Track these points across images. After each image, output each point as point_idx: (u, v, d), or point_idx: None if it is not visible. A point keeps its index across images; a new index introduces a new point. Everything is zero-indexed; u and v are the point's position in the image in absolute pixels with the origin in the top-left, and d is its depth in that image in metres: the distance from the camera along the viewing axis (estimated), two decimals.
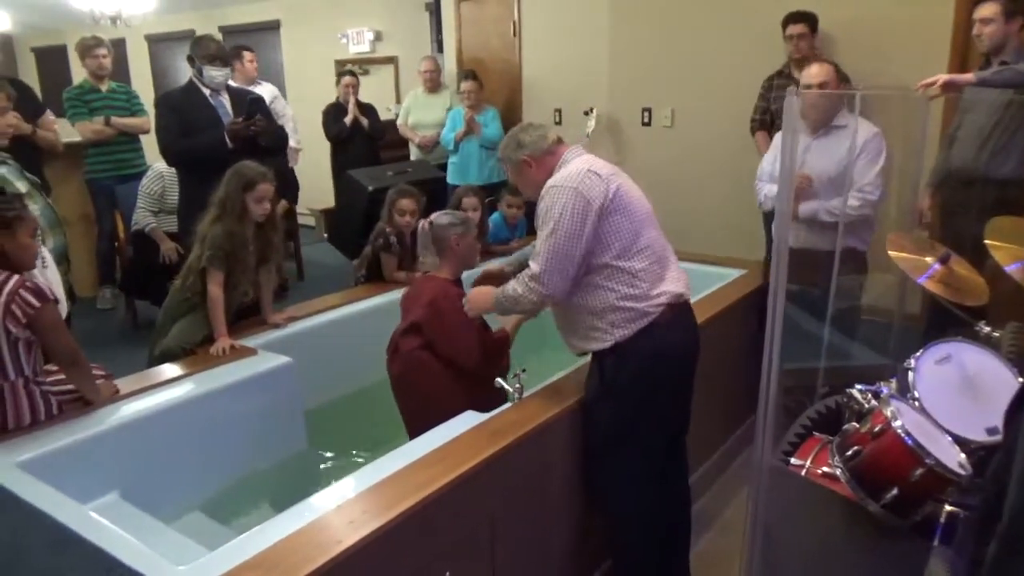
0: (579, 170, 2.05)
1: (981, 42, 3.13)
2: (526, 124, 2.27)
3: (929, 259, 2.18)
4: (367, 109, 5.69)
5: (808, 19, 3.90)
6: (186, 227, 3.43)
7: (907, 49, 3.79)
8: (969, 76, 2.83)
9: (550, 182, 2.08)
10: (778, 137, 3.11)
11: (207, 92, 3.50)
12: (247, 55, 5.35)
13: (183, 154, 3.43)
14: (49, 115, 4.43)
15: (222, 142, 3.34)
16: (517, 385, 2.20)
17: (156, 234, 4.45)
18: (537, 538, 2.14)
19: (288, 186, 5.39)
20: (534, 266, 2.04)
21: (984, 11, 3.08)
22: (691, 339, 2.17)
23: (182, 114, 3.42)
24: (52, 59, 10.75)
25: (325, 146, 6.85)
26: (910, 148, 3.01)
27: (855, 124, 2.93)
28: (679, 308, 2.10)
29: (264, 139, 3.46)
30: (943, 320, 2.81)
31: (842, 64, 3.93)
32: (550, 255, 2.00)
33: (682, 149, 4.78)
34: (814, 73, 3.08)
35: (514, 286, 2.11)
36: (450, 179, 5.25)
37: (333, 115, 5.64)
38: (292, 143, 5.64)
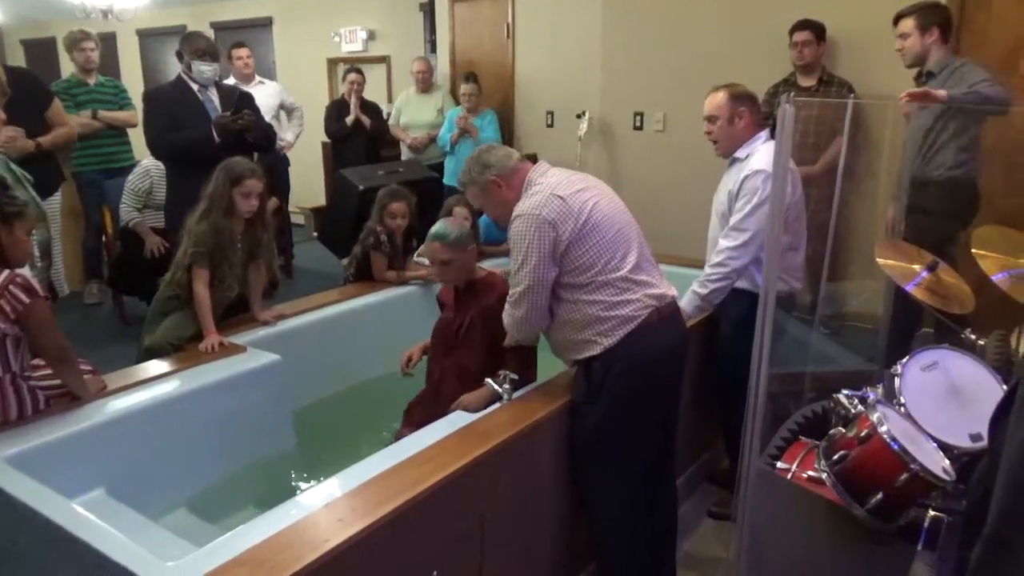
0: (544, 196, 2.05)
1: (904, 57, 3.28)
2: (486, 146, 2.27)
3: (917, 267, 2.20)
4: (371, 108, 5.67)
5: (814, 27, 3.92)
6: (173, 223, 3.41)
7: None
8: (943, 93, 2.89)
9: (516, 210, 2.08)
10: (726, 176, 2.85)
11: (196, 87, 3.49)
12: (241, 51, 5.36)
13: (170, 149, 3.41)
14: (58, 103, 4.35)
15: (210, 137, 3.32)
16: (507, 386, 2.21)
17: (141, 228, 4.42)
18: (525, 538, 2.15)
19: (279, 183, 5.38)
20: (511, 292, 2.14)
21: (901, 27, 3.25)
22: (678, 339, 2.18)
23: (170, 109, 3.40)
24: (41, 52, 10.66)
25: (316, 145, 6.84)
26: (896, 157, 3.04)
27: (757, 156, 2.61)
28: (665, 309, 2.11)
29: (252, 135, 3.44)
30: (911, 325, 2.86)
31: (845, 74, 3.98)
32: (523, 284, 2.07)
33: (674, 154, 4.80)
34: (706, 103, 2.73)
35: (504, 319, 2.23)
36: (447, 180, 5.25)
37: (335, 112, 5.61)
38: (290, 136, 5.63)
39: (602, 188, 2.19)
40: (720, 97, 2.69)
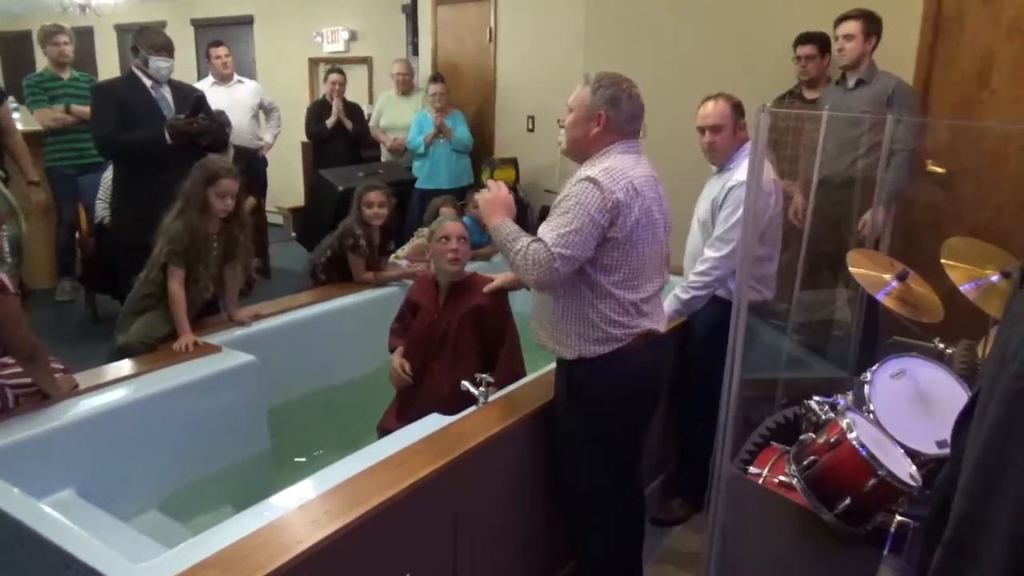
0: (625, 179, 1.95)
1: (843, 57, 3.39)
2: (632, 88, 2.09)
3: (887, 276, 2.24)
4: (353, 109, 5.64)
5: (818, 41, 3.83)
6: (121, 222, 3.36)
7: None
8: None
9: (589, 173, 1.95)
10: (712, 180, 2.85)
11: (148, 84, 3.40)
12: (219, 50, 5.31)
13: (119, 147, 3.32)
14: (7, 104, 4.26)
15: (162, 138, 3.24)
16: (483, 389, 2.21)
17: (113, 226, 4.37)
18: (500, 540, 2.15)
19: (256, 183, 5.33)
20: (556, 240, 1.89)
21: (846, 28, 3.35)
22: (661, 365, 2.20)
23: (121, 105, 3.31)
24: (16, 45, 10.51)
25: (295, 144, 6.81)
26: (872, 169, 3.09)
27: (744, 167, 2.53)
28: (652, 339, 2.09)
29: (205, 138, 3.36)
30: (879, 333, 2.93)
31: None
32: (568, 239, 1.89)
33: (653, 162, 4.82)
34: (708, 113, 2.71)
35: (525, 243, 1.94)
36: (419, 183, 5.20)
37: (317, 113, 5.58)
38: (268, 137, 5.59)
39: (666, 211, 2.12)
40: (723, 106, 2.69)
